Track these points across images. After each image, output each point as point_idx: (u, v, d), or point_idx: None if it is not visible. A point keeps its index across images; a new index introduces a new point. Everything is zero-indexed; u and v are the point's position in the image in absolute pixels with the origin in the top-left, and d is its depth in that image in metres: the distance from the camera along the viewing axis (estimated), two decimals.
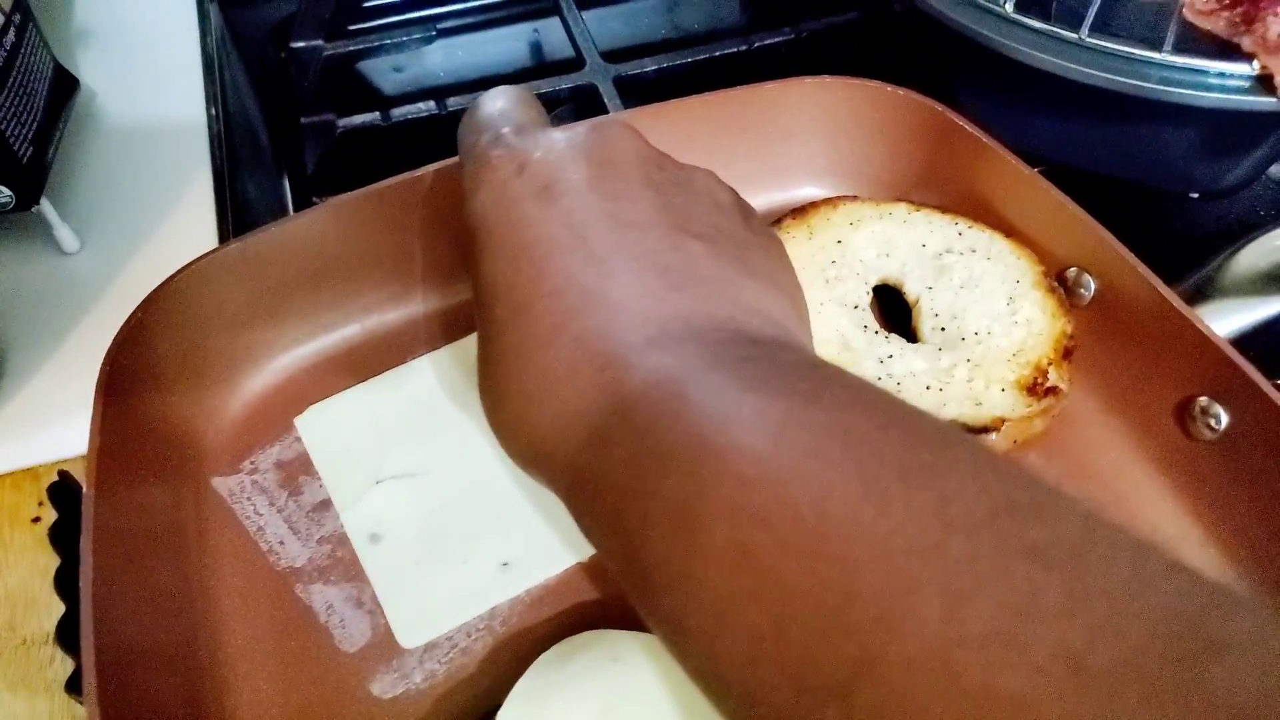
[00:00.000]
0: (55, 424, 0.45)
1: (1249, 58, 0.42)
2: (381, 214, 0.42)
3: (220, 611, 0.36)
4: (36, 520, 0.43)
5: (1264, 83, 0.42)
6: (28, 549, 0.42)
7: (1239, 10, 0.43)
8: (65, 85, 0.55)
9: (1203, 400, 0.38)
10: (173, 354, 0.39)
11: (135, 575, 0.34)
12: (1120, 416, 0.41)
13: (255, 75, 0.69)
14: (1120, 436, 0.40)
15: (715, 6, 0.69)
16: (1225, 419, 0.37)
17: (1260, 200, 0.52)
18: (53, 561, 0.40)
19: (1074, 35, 0.44)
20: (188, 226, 0.54)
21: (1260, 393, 0.36)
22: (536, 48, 0.70)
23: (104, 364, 0.36)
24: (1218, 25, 0.44)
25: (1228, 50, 0.43)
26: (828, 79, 0.47)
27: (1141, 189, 0.51)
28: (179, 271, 0.39)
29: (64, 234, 0.51)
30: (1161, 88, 0.42)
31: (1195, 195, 0.50)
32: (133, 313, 0.37)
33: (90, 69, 0.61)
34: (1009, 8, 0.45)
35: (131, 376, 0.37)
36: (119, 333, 0.37)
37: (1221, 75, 0.42)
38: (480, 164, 0.29)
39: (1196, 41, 0.44)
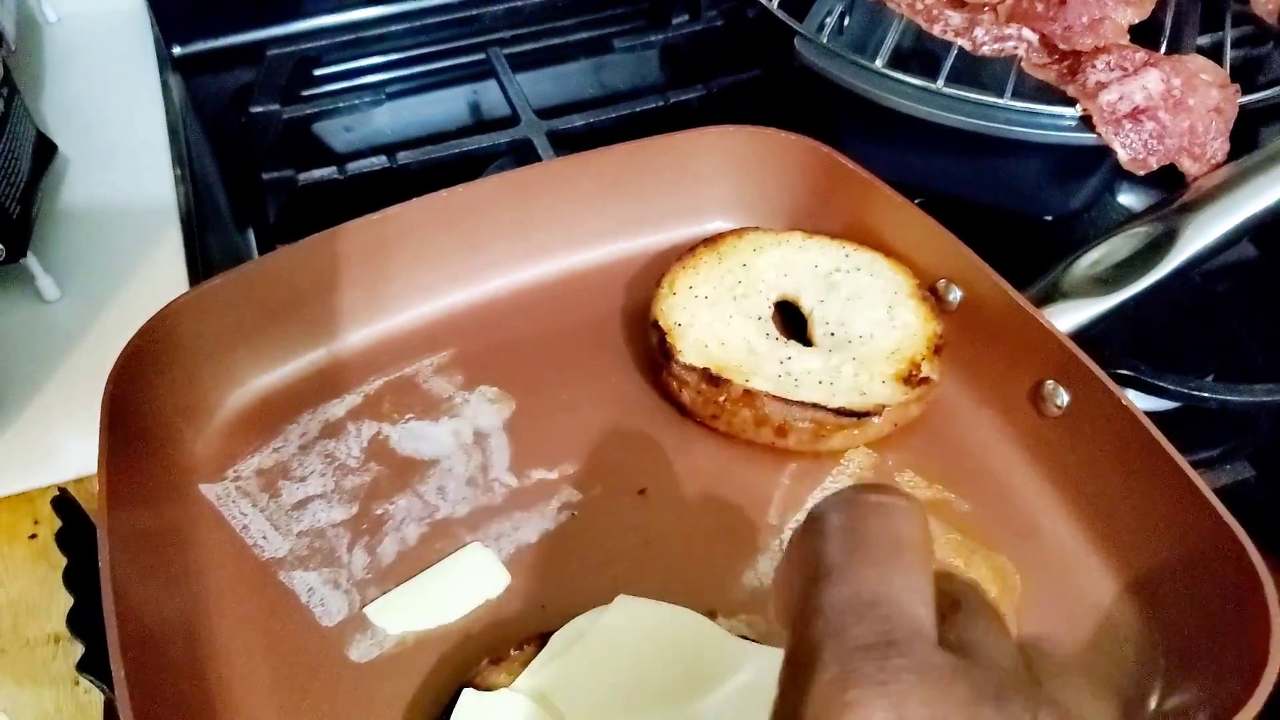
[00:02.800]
0: (46, 452, 0.50)
1: (1074, 102, 0.51)
2: (340, 252, 0.48)
3: (214, 597, 0.41)
4: (34, 536, 0.47)
5: (1086, 122, 0.50)
6: (27, 561, 0.46)
7: (1065, 64, 0.52)
8: (45, 149, 0.60)
9: (1049, 383, 0.45)
10: (164, 377, 0.44)
11: (141, 568, 0.39)
12: (985, 401, 0.48)
13: (214, 138, 0.75)
14: (986, 418, 0.48)
15: (637, 67, 0.77)
16: (1067, 397, 0.45)
17: (1106, 220, 0.61)
18: (49, 573, 0.45)
19: (934, 85, 0.52)
20: (159, 275, 0.59)
21: (1091, 374, 0.44)
22: (475, 107, 0.77)
23: (107, 385, 0.41)
24: (1049, 76, 0.52)
25: (1059, 96, 0.52)
26: (730, 128, 0.54)
27: (1005, 214, 0.59)
28: (169, 304, 0.44)
29: (45, 284, 0.56)
30: (1005, 127, 0.50)
31: (1049, 218, 0.59)
32: (130, 341, 0.43)
33: (64, 135, 0.66)
34: (879, 64, 0.53)
35: (130, 397, 0.42)
36: (119, 359, 0.42)
37: (1053, 116, 0.51)
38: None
39: (1035, 89, 0.52)
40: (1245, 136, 0.55)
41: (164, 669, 0.37)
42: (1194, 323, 0.60)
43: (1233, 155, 0.54)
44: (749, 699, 0.36)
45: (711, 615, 0.39)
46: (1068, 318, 0.48)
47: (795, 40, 0.56)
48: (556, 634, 0.37)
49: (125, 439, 0.41)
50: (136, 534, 0.39)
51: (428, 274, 0.51)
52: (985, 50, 0.54)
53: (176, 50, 0.73)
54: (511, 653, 0.37)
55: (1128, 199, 0.64)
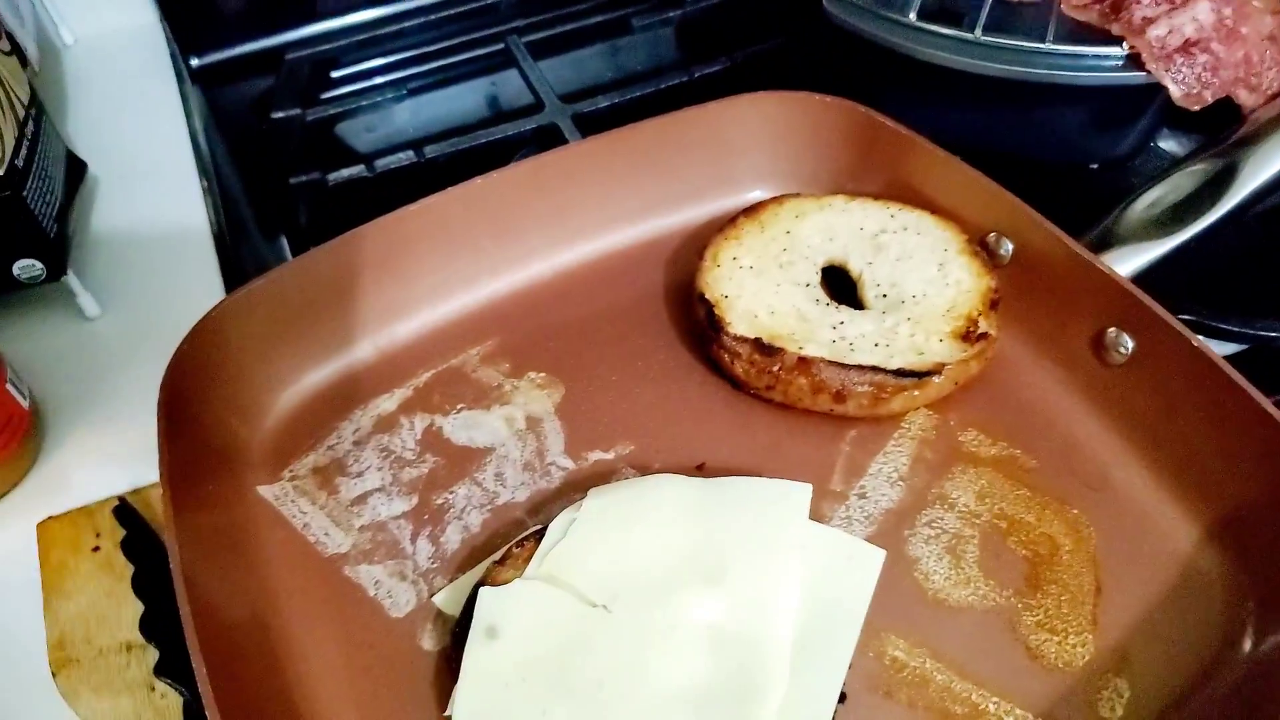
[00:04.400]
0: (99, 466, 0.50)
1: (1119, 41, 0.49)
2: (375, 248, 0.48)
3: (282, 595, 0.41)
4: (96, 549, 0.47)
5: (1134, 60, 0.49)
6: (93, 574, 0.46)
7: (1108, 2, 0.51)
8: (76, 169, 0.60)
9: (1111, 331, 0.44)
10: (215, 381, 0.44)
11: (211, 569, 0.38)
12: (1045, 354, 0.47)
13: (235, 149, 0.75)
14: (1047, 371, 0.47)
15: (653, 47, 0.76)
16: (1131, 344, 0.44)
17: (1151, 167, 0.59)
18: (115, 583, 0.45)
19: (970, 35, 0.51)
20: (195, 287, 0.59)
21: (1158, 318, 0.42)
22: (495, 98, 0.76)
23: (161, 393, 0.41)
24: (1091, 16, 0.51)
25: (1102, 37, 0.50)
26: (762, 94, 0.53)
27: (1050, 165, 0.58)
28: (213, 309, 0.44)
29: (86, 301, 0.56)
30: (1047, 72, 0.49)
31: (1095, 166, 0.57)
32: (178, 348, 0.43)
33: (91, 155, 0.66)
34: (913, 16, 0.52)
35: (183, 403, 0.42)
36: (169, 366, 0.42)
37: (1097, 58, 0.49)
38: None
39: (1075, 32, 0.51)
40: None
41: (242, 666, 0.36)
42: (1253, 266, 0.58)
43: None
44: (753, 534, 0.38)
45: (700, 468, 0.42)
46: (1127, 263, 0.46)
47: (824, 0, 0.55)
48: (551, 524, 0.39)
49: (182, 444, 0.40)
50: (202, 536, 0.39)
51: (466, 264, 0.51)
52: None
53: (194, 62, 0.72)
54: (513, 550, 0.39)
55: (1169, 145, 0.63)
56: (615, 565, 0.38)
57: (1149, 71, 0.48)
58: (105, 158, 0.67)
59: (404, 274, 0.50)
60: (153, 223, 0.63)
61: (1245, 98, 0.49)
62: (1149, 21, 0.47)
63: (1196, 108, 0.49)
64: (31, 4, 0.71)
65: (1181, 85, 0.48)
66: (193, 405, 0.42)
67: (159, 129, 0.69)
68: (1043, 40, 0.50)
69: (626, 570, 0.37)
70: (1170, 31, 0.47)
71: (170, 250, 0.61)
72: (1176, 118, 0.53)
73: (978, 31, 0.50)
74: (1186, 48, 0.47)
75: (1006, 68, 0.50)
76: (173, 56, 0.74)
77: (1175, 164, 0.48)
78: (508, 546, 0.39)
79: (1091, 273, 0.45)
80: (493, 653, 0.36)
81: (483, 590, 0.37)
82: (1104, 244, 0.47)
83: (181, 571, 0.34)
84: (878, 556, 0.39)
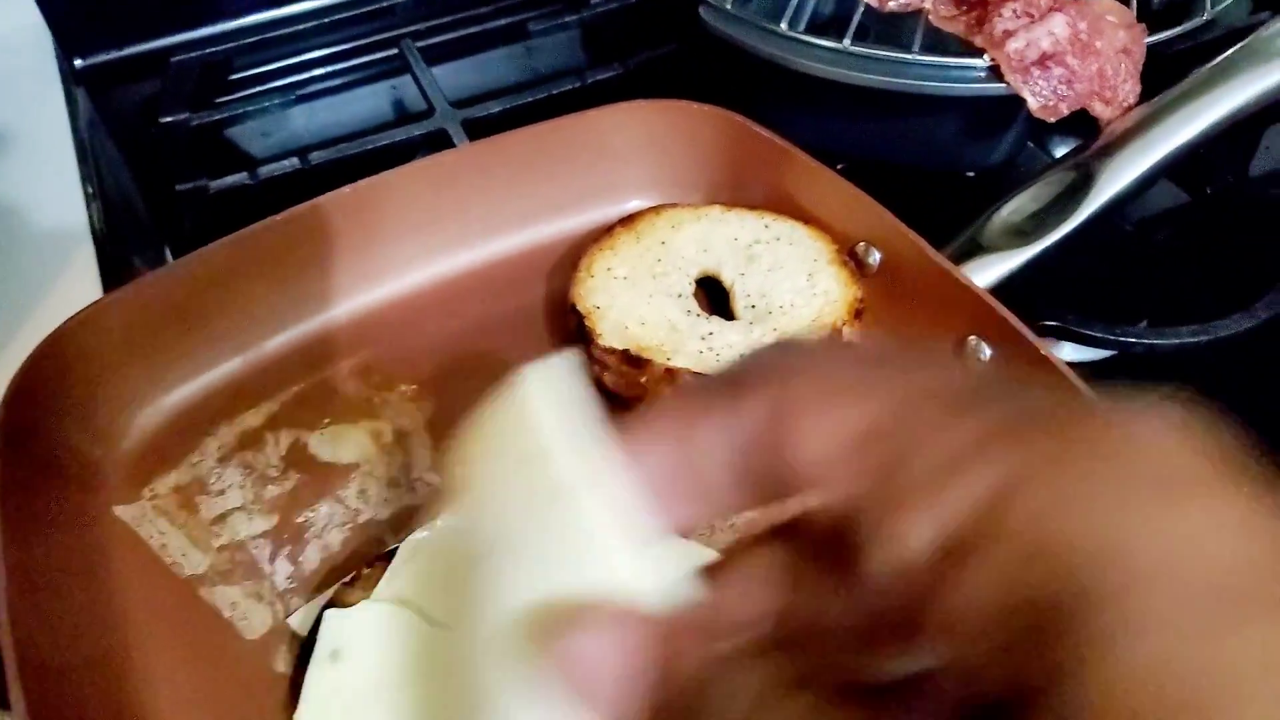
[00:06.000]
0: None
1: (982, 52, 0.50)
2: (243, 258, 0.47)
3: (134, 621, 0.40)
4: None
5: (995, 72, 0.50)
6: None
7: (972, 14, 0.51)
8: None
9: (971, 340, 0.45)
10: (66, 398, 0.43)
11: (47, 599, 0.37)
12: None
13: (129, 153, 0.73)
14: None
15: (557, 52, 0.76)
16: (989, 352, 0.44)
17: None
18: None
19: (839, 45, 0.51)
20: (72, 298, 0.56)
21: (1011, 327, 0.43)
22: (399, 104, 0.75)
23: (5, 396, 0.40)
24: (958, 28, 0.52)
25: (967, 48, 0.51)
26: (640, 102, 0.53)
27: (928, 173, 0.59)
28: (65, 322, 0.43)
29: None
30: (914, 82, 0.50)
31: (971, 174, 0.58)
32: (23, 364, 0.41)
33: None
34: (784, 26, 0.53)
35: (28, 422, 0.41)
36: (11, 383, 0.41)
37: (961, 69, 0.50)
38: None
39: (941, 43, 0.51)
40: (1162, 77, 0.55)
41: (77, 703, 0.36)
42: (1135, 273, 0.60)
43: (1147, 96, 0.54)
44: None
45: None
46: (987, 272, 0.47)
47: (700, 8, 0.55)
48: (403, 544, 0.39)
49: (24, 468, 0.39)
50: (41, 564, 0.38)
51: (339, 274, 0.50)
52: (892, 5, 0.53)
53: (78, 63, 0.70)
54: (364, 570, 0.38)
55: (1061, 151, 0.64)
56: (466, 587, 0.37)
57: (1008, 84, 0.49)
58: None
59: (273, 285, 0.49)
60: (30, 231, 0.61)
61: (1101, 110, 0.50)
62: (1009, 34, 0.48)
63: (1053, 119, 0.50)
64: None
65: (1038, 97, 0.49)
66: (38, 428, 0.41)
67: (41, 133, 0.68)
68: (909, 51, 0.50)
69: (477, 591, 0.37)
70: (1028, 44, 0.48)
71: (47, 260, 0.59)
72: (1054, 125, 0.54)
73: (846, 41, 0.51)
74: (1043, 61, 0.49)
75: (874, 78, 0.50)
76: (59, 59, 0.72)
77: (1033, 175, 0.49)
78: (360, 567, 0.39)
79: (950, 282, 0.45)
80: (336, 676, 0.36)
81: (328, 612, 0.37)
82: (966, 253, 0.48)
83: (6, 603, 0.34)
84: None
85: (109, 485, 0.44)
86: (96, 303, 0.44)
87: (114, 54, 0.71)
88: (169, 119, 0.66)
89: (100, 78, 0.72)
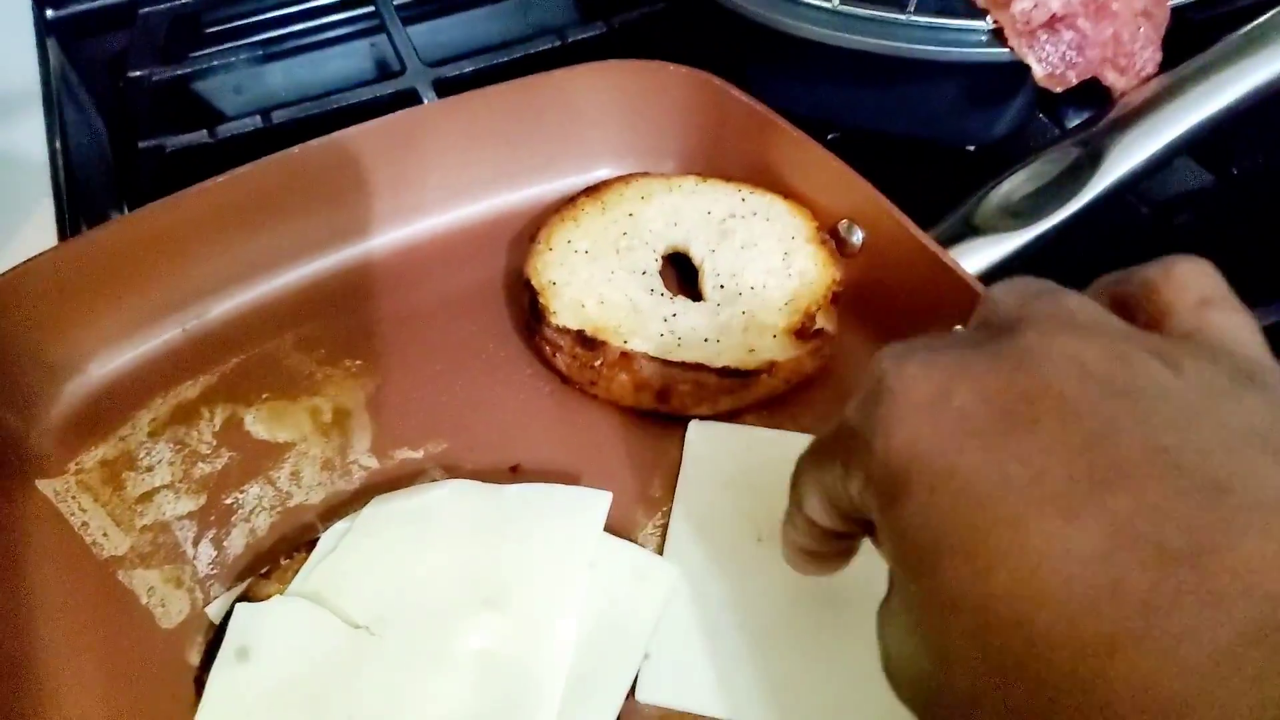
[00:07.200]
0: None
1: (985, 14, 0.46)
2: (188, 220, 0.44)
3: (43, 602, 0.38)
4: None
5: (999, 35, 0.46)
6: None
7: None
8: None
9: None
10: None
11: None
12: None
13: (104, 107, 0.70)
14: None
15: (543, 11, 0.72)
16: None
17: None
18: None
19: (828, 4, 0.47)
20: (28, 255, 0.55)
21: None
22: (381, 63, 0.72)
23: None
24: None
25: (968, 11, 0.47)
26: (612, 63, 0.50)
27: (926, 147, 0.55)
28: None
29: None
30: (906, 45, 0.46)
31: (971, 149, 0.54)
32: None
33: None
34: None
35: None
36: None
37: (960, 31, 0.46)
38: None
39: (940, 4, 0.47)
40: (1186, 45, 0.50)
41: None
42: (1139, 257, 0.55)
43: (1168, 66, 0.49)
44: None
45: (514, 470, 0.40)
46: (979, 256, 0.44)
47: None
48: (322, 536, 0.36)
49: None
50: None
51: (288, 239, 0.47)
52: None
53: (50, 14, 0.68)
54: (283, 561, 0.36)
55: (1077, 122, 0.60)
56: (386, 584, 0.35)
57: (1011, 48, 0.45)
58: None
59: (219, 250, 0.46)
60: None
61: (1114, 79, 0.46)
62: None
63: (1059, 89, 0.46)
64: None
65: (1045, 64, 0.45)
66: None
67: (8, 86, 0.65)
68: (903, 11, 0.46)
69: (398, 590, 0.35)
70: (1036, 5, 0.44)
71: (6, 215, 0.57)
72: (1077, 97, 0.50)
73: (836, 1, 0.47)
74: (1052, 23, 0.44)
75: (865, 39, 0.46)
76: (33, 7, 0.70)
77: (1036, 151, 0.45)
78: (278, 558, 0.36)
79: (938, 266, 0.42)
80: (242, 675, 0.33)
81: (238, 606, 0.34)
82: (958, 235, 0.44)
83: None
84: (670, 574, 0.36)
85: (34, 458, 0.42)
86: (25, 262, 0.42)
87: (86, 5, 0.68)
88: (135, 73, 0.63)
89: (74, 29, 0.69)
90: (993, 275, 0.43)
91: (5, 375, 0.41)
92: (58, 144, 0.62)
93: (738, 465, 0.40)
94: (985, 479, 0.21)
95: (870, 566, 0.31)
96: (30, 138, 0.62)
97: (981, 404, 0.22)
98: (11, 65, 0.66)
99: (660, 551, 0.38)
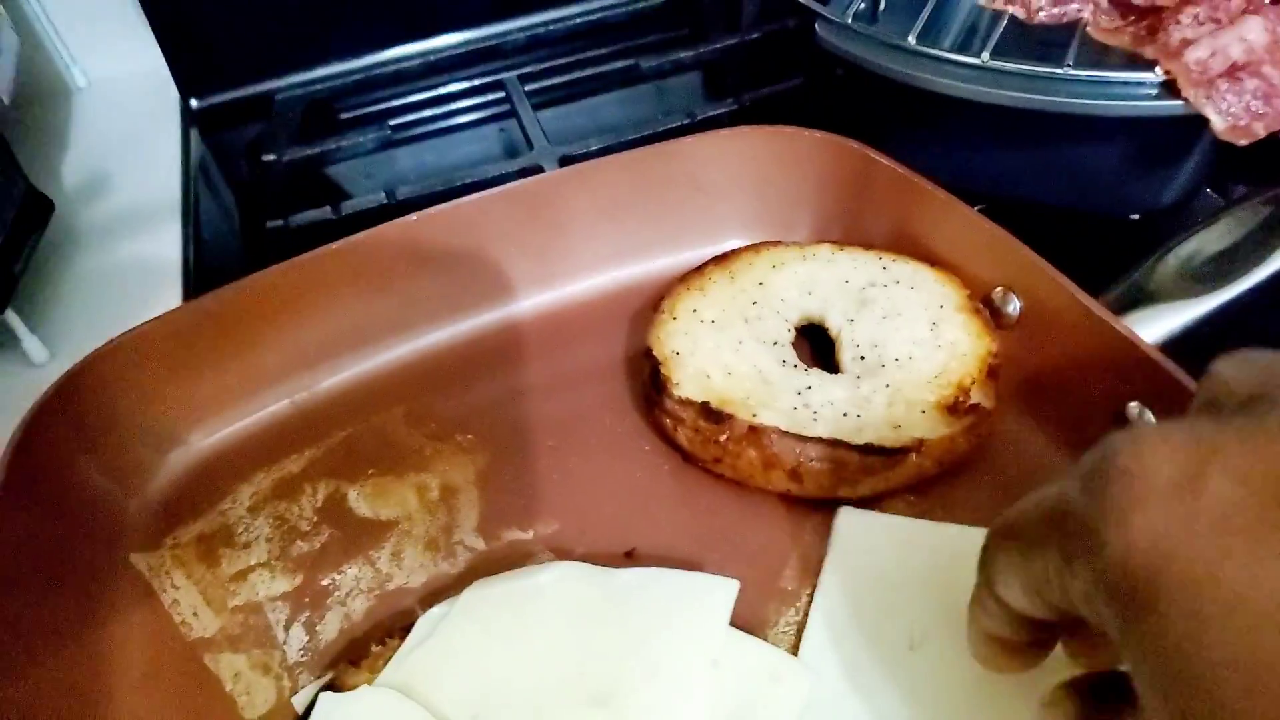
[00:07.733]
0: None
1: (1153, 65, 0.42)
2: (297, 290, 0.43)
3: (123, 686, 0.35)
4: None
5: (1169, 88, 0.41)
6: None
7: (1143, 24, 0.43)
8: (39, 205, 0.58)
9: (1133, 407, 0.36)
10: (88, 434, 0.39)
11: (29, 669, 0.33)
12: (1055, 434, 0.39)
13: (239, 192, 0.72)
14: (1057, 455, 0.39)
15: (669, 93, 0.71)
16: (1154, 423, 0.35)
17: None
18: None
19: (977, 60, 0.44)
20: None
21: (1187, 394, 0.34)
22: (509, 147, 0.72)
23: (15, 435, 0.36)
24: (1123, 40, 0.44)
25: (1130, 62, 0.43)
26: (744, 129, 0.47)
27: (1082, 216, 0.50)
28: (100, 348, 0.40)
29: (32, 345, 0.53)
30: (1066, 100, 0.42)
31: (1135, 217, 0.49)
32: (42, 395, 0.38)
33: (82, 198, 0.64)
34: (912, 40, 0.46)
35: (43, 460, 0.37)
36: (25, 417, 0.37)
37: (1127, 84, 0.42)
38: None
39: (1101, 57, 0.43)
40: None
41: None
42: None
43: None
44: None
45: (630, 555, 0.37)
46: (1157, 325, 0.38)
47: (816, 24, 0.49)
48: (419, 621, 0.33)
49: (32, 511, 0.36)
50: (32, 627, 0.34)
51: (402, 309, 0.46)
52: (1043, 17, 0.45)
53: (194, 104, 0.70)
54: (373, 649, 0.33)
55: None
56: (483, 675, 0.31)
57: (1186, 99, 0.40)
58: (95, 201, 0.65)
59: (331, 318, 0.45)
60: (127, 269, 0.60)
61: None
62: (1188, 43, 0.40)
63: (1244, 142, 0.41)
64: (45, 41, 0.71)
65: (1225, 116, 0.40)
66: (52, 464, 0.38)
67: (153, 174, 0.67)
68: (1061, 65, 0.42)
69: (496, 682, 0.31)
70: (1214, 54, 0.39)
71: (137, 298, 0.58)
72: (1250, 163, 0.45)
73: (985, 55, 0.43)
74: (1233, 72, 0.40)
75: (1019, 95, 0.42)
76: (180, 100, 0.73)
77: (1218, 211, 0.40)
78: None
79: (1111, 336, 0.37)
80: None
81: (322, 696, 0.31)
82: (1132, 302, 0.39)
83: None
84: (806, 678, 0.31)
85: (131, 531, 0.40)
86: (137, 327, 0.41)
87: (229, 95, 0.71)
88: (268, 156, 0.64)
89: (216, 119, 0.72)
90: (1173, 346, 0.38)
91: (111, 443, 0.40)
92: (189, 231, 0.63)
93: (891, 560, 0.35)
94: (1264, 590, 0.17)
95: (1041, 680, 0.26)
96: (167, 223, 0.63)
97: (1242, 490, 0.18)
98: (156, 156, 0.69)
99: (794, 652, 0.33)
